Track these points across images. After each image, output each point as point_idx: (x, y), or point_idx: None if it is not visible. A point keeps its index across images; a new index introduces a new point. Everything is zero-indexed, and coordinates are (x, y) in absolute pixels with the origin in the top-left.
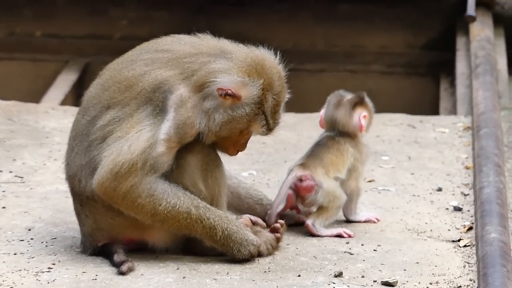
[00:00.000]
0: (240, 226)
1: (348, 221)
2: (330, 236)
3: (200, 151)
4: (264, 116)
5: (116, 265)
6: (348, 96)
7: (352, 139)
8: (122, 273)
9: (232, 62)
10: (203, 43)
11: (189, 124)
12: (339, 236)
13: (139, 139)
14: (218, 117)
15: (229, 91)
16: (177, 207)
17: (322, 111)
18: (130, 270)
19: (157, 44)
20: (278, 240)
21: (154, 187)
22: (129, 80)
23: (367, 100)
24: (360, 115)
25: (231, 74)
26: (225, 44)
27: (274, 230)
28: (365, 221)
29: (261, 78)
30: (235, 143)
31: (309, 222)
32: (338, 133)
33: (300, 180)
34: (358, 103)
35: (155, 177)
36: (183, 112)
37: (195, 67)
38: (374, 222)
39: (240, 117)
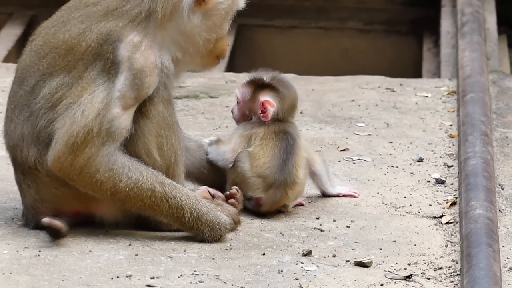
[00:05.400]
0: (210, 206)
1: (324, 196)
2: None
3: (155, 116)
4: None
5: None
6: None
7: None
8: (54, 235)
9: None
10: None
11: (148, 68)
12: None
13: (92, 102)
14: (199, 25)
15: None
16: (140, 183)
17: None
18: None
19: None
20: (235, 206)
21: (113, 160)
22: (67, 42)
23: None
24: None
25: None
26: None
27: (230, 197)
28: (343, 196)
29: None
30: (218, 49)
31: None
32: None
33: None
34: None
35: (113, 148)
36: (139, 57)
37: (142, 6)
38: (355, 197)
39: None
